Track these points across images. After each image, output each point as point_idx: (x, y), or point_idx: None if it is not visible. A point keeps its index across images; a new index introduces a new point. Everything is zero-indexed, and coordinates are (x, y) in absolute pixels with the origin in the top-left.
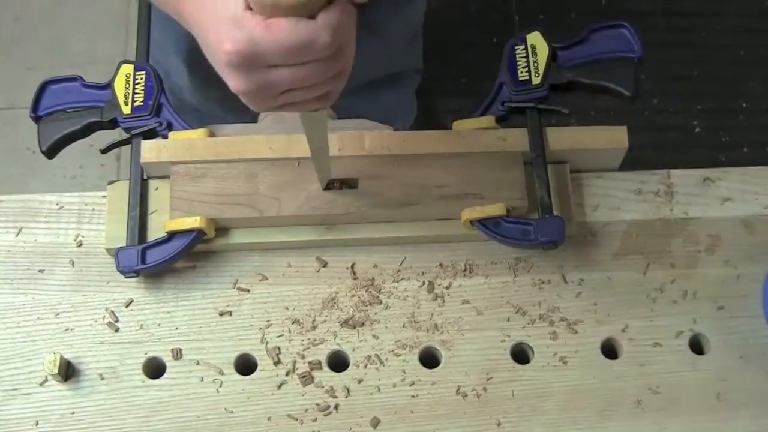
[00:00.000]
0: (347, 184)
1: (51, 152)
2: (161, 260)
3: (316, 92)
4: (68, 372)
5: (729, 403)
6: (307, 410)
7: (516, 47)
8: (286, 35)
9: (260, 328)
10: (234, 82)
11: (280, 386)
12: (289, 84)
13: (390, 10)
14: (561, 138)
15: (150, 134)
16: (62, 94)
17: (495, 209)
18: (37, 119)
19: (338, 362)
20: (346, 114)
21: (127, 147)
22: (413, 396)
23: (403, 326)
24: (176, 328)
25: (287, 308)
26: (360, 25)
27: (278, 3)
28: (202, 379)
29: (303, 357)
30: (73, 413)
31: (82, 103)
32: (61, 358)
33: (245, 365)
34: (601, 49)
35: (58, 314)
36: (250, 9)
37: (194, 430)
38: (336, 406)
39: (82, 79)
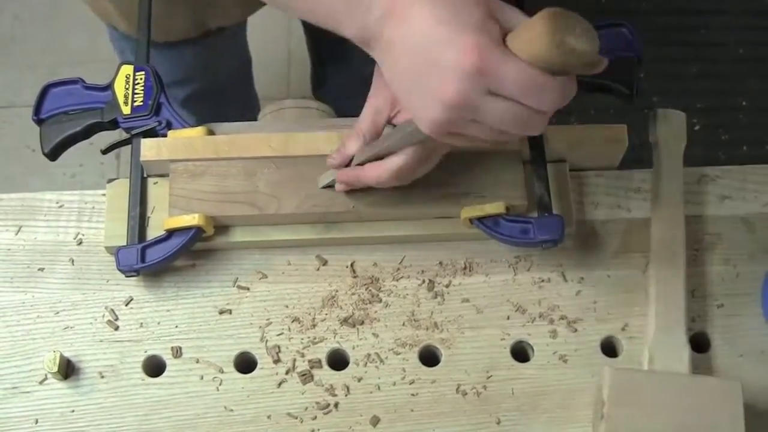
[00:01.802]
0: None
1: (53, 154)
2: (161, 258)
3: (502, 137)
4: (68, 370)
5: None
6: (306, 408)
7: None
8: (533, 75)
9: (260, 327)
10: (452, 89)
11: (279, 384)
12: (498, 119)
13: None
14: (561, 136)
15: (150, 134)
16: (64, 96)
17: (494, 208)
18: (39, 122)
19: (338, 360)
20: (348, 113)
21: (128, 146)
22: (413, 394)
23: (403, 324)
24: (176, 327)
25: (287, 306)
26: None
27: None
28: (201, 378)
29: (303, 355)
30: (73, 411)
31: (83, 104)
32: (61, 356)
33: (245, 363)
34: (600, 47)
35: (58, 312)
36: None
37: (194, 428)
38: (336, 405)
39: (83, 81)
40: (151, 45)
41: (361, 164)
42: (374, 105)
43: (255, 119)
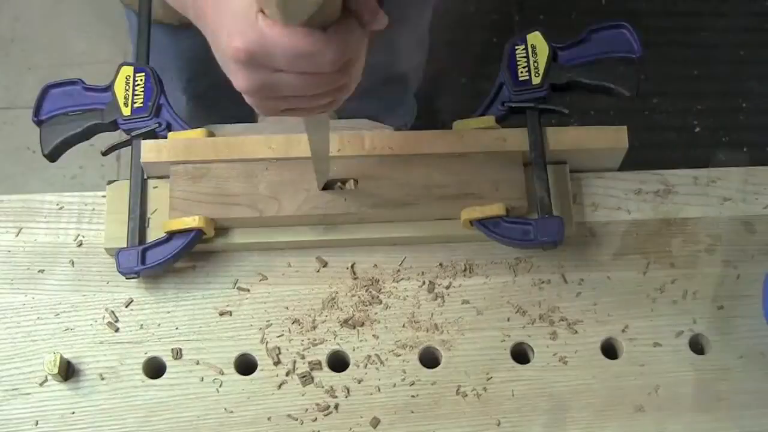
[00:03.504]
0: (347, 183)
1: (53, 155)
2: (161, 260)
3: (319, 101)
4: (68, 372)
5: (729, 403)
6: (307, 410)
7: (516, 47)
8: (295, 42)
9: (260, 328)
10: (238, 79)
11: (280, 386)
12: (291, 90)
13: (398, 18)
14: (561, 138)
15: (150, 135)
16: (64, 97)
17: (495, 209)
18: (39, 123)
19: (338, 362)
20: (349, 113)
21: (128, 147)
22: (413, 396)
23: (403, 326)
24: (176, 328)
25: (287, 308)
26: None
27: (293, 11)
28: (202, 379)
29: (303, 357)
30: (73, 413)
31: (83, 105)
32: (61, 358)
33: (245, 365)
34: (601, 49)
35: (58, 314)
36: (263, 12)
37: (194, 429)
38: (336, 406)
39: (83, 82)
40: (167, 27)
41: None
42: None
43: (255, 119)
